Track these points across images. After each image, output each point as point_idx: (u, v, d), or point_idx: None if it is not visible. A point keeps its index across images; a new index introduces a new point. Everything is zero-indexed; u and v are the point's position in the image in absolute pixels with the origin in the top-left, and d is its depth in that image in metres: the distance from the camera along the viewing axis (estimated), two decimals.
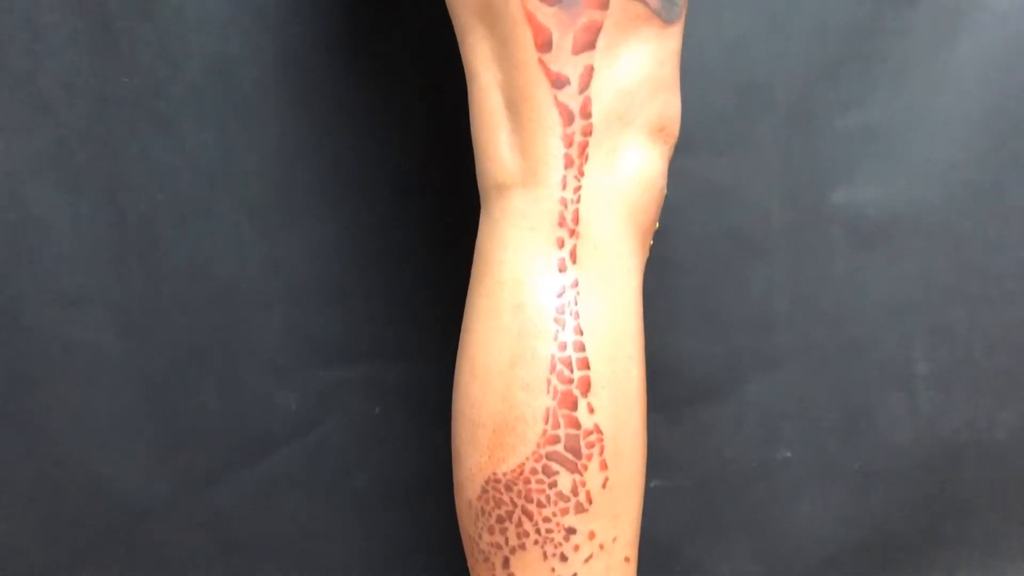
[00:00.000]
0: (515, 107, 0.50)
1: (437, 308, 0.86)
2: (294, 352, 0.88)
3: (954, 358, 0.87)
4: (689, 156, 0.84)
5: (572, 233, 0.50)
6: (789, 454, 0.89)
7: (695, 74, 0.84)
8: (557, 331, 0.50)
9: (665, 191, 0.54)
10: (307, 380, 0.88)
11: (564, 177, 0.50)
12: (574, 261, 0.51)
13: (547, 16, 0.48)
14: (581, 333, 0.50)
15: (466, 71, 0.53)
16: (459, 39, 0.53)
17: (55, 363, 0.87)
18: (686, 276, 0.87)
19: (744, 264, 0.87)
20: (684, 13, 0.52)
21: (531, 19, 0.48)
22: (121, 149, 0.85)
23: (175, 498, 0.88)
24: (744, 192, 0.86)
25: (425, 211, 0.86)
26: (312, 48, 0.84)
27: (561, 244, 0.50)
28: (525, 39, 0.49)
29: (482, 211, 0.54)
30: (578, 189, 0.50)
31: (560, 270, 0.50)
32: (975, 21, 0.83)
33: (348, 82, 0.84)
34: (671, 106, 0.52)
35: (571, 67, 0.49)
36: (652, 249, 0.57)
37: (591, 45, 0.49)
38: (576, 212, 0.50)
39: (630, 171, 0.51)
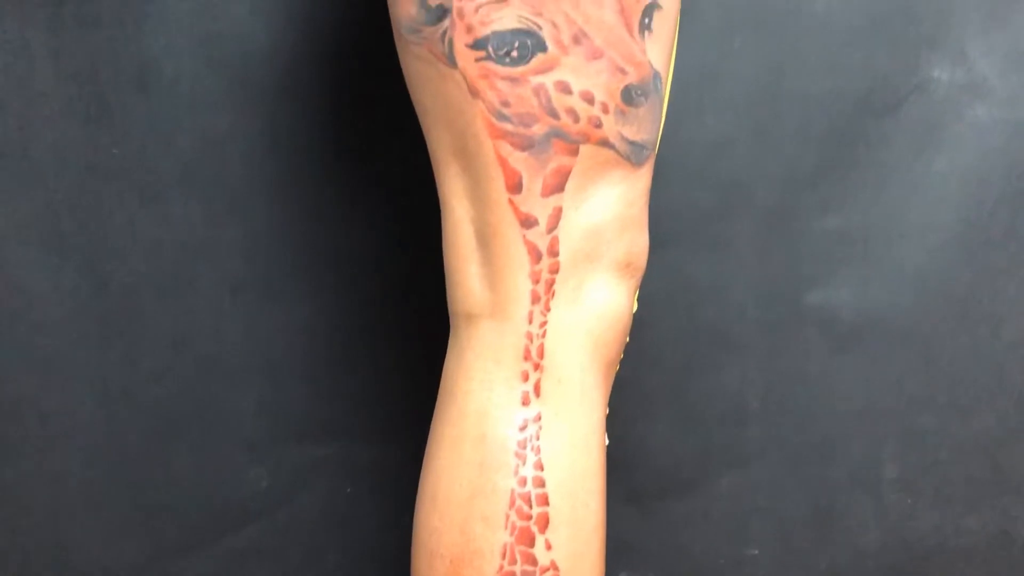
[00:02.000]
0: (486, 242, 0.51)
1: (411, 392, 0.87)
2: (268, 428, 0.88)
3: (922, 463, 0.88)
4: (669, 251, 0.86)
5: (536, 367, 0.51)
6: (757, 551, 0.90)
7: (678, 171, 0.85)
8: (518, 465, 0.50)
9: (630, 325, 0.55)
10: (280, 457, 0.89)
11: (531, 312, 0.51)
12: (538, 395, 0.51)
13: (518, 160, 0.49)
14: (542, 468, 0.51)
15: (440, 201, 0.54)
16: (435, 171, 0.54)
17: (31, 430, 0.87)
18: (661, 369, 0.88)
19: (718, 360, 0.88)
20: (654, 155, 0.53)
21: (503, 162, 0.50)
22: (107, 219, 0.86)
23: (144, 569, 0.89)
24: (721, 289, 0.87)
25: (404, 295, 0.87)
26: (302, 128, 0.85)
27: (525, 377, 0.51)
28: (497, 180, 0.50)
29: (451, 335, 0.55)
30: (544, 324, 0.51)
31: (523, 403, 0.51)
32: (953, 134, 0.84)
33: (335, 164, 0.85)
34: (638, 243, 0.53)
35: (540, 208, 0.50)
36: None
37: (560, 188, 0.50)
38: (541, 347, 0.51)
39: (596, 307, 0.52)
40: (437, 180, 0.54)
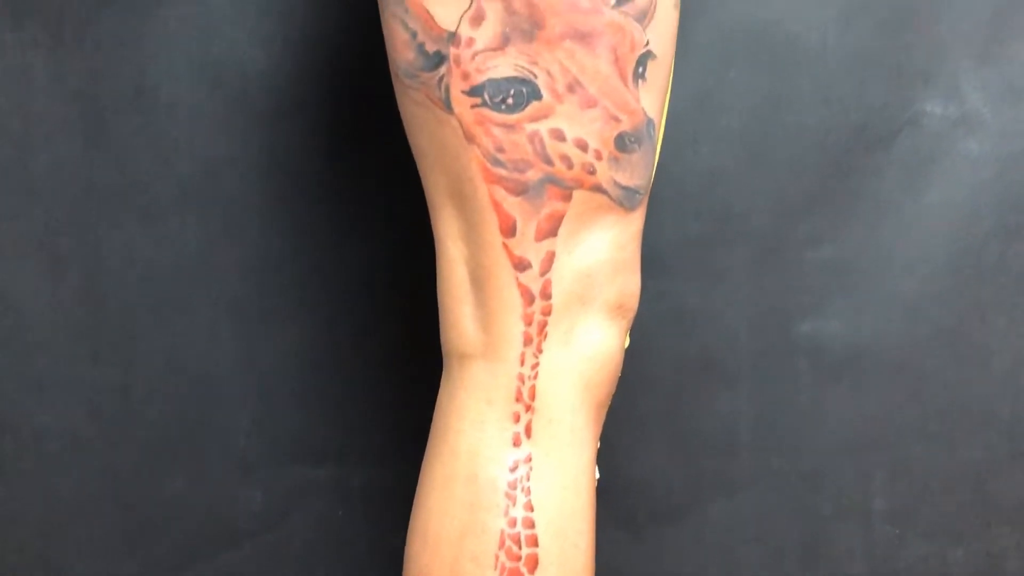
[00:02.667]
0: (479, 284, 0.52)
1: (405, 416, 0.87)
2: (262, 449, 0.89)
3: (911, 494, 0.88)
4: (662, 279, 0.86)
5: (528, 408, 0.52)
6: None
7: (673, 200, 0.86)
8: (508, 506, 0.51)
9: (622, 365, 0.56)
10: (273, 478, 0.89)
11: (523, 354, 0.52)
12: (528, 436, 0.52)
13: (512, 205, 0.50)
14: (532, 509, 0.51)
15: (435, 241, 0.55)
16: (430, 211, 0.55)
17: (26, 447, 0.88)
18: (653, 396, 0.88)
19: (710, 387, 0.89)
20: (647, 198, 0.54)
21: (497, 207, 0.50)
22: (105, 239, 0.87)
23: None
24: (714, 318, 0.88)
25: (399, 318, 0.87)
26: (298, 152, 0.86)
27: (517, 419, 0.52)
28: (491, 224, 0.51)
29: (444, 374, 0.56)
30: (536, 366, 0.52)
31: (514, 444, 0.52)
32: (945, 167, 0.85)
33: (331, 189, 0.86)
34: (630, 284, 0.54)
35: (533, 252, 0.51)
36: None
37: (553, 232, 0.51)
38: (532, 388, 0.52)
39: (588, 348, 0.53)
40: (432, 220, 0.54)
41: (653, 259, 0.80)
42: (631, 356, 0.84)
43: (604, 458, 0.61)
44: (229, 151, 0.85)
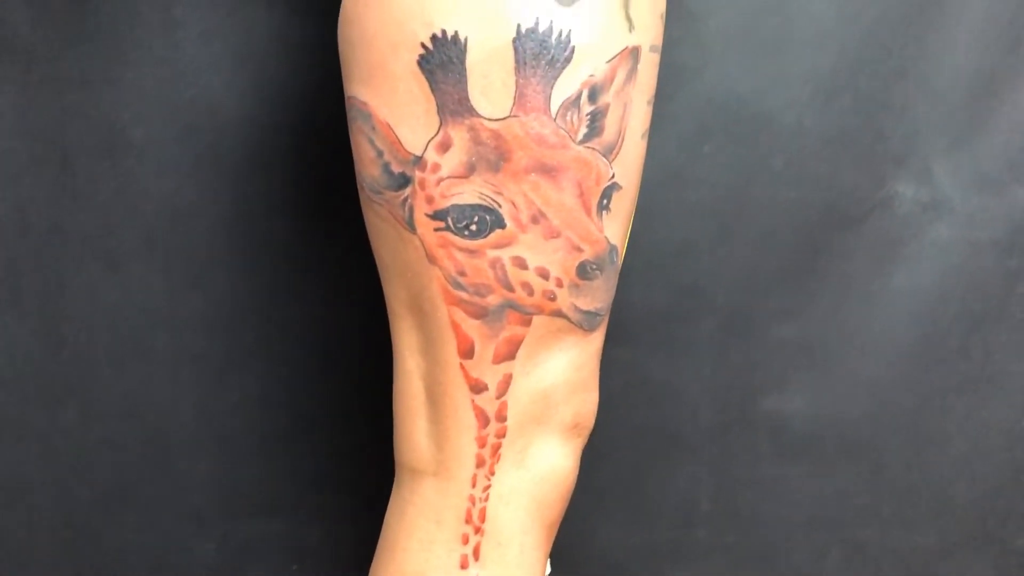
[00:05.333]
0: (434, 400, 0.52)
1: (363, 473, 0.87)
2: (218, 501, 0.88)
3: (865, 574, 0.89)
4: (626, 349, 0.86)
5: (477, 530, 0.52)
6: None
7: (641, 272, 0.85)
8: None
9: (575, 483, 0.56)
10: (228, 530, 0.89)
11: (475, 475, 0.51)
12: (476, 558, 0.52)
13: (471, 327, 0.50)
14: None
15: (393, 350, 0.54)
16: (390, 319, 0.54)
17: None
18: (614, 465, 0.88)
19: (671, 459, 0.89)
20: (607, 318, 0.54)
21: (456, 328, 0.50)
22: (68, 281, 0.86)
23: None
24: (676, 390, 0.88)
25: (363, 376, 0.87)
26: (268, 202, 0.85)
27: (466, 540, 0.52)
28: (449, 344, 0.50)
29: (395, 485, 0.55)
30: (487, 488, 0.51)
31: (462, 567, 0.52)
32: (913, 250, 0.86)
33: (297, 243, 0.85)
34: (587, 403, 0.54)
35: (490, 375, 0.50)
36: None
37: (511, 356, 0.50)
38: (483, 510, 0.52)
39: (541, 469, 0.53)
40: (391, 329, 0.54)
41: (619, 329, 0.80)
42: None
43: (562, 525, 0.61)
44: (198, 199, 0.84)
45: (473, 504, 0.51)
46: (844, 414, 0.88)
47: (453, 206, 0.48)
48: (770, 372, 0.87)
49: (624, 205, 0.51)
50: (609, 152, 0.49)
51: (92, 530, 0.88)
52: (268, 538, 0.88)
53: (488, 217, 0.48)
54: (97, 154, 0.84)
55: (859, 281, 0.86)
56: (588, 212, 0.49)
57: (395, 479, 0.55)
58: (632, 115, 0.49)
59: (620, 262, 0.53)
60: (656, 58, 0.51)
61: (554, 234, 0.48)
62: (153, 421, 0.87)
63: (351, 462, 0.87)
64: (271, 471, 0.88)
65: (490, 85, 0.46)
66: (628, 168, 0.50)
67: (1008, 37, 0.81)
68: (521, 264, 0.48)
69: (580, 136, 0.48)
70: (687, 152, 0.84)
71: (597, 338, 0.53)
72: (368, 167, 0.50)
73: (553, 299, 0.50)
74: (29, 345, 0.86)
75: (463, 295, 0.49)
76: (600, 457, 0.87)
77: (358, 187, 0.53)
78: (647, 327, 0.87)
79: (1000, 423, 0.87)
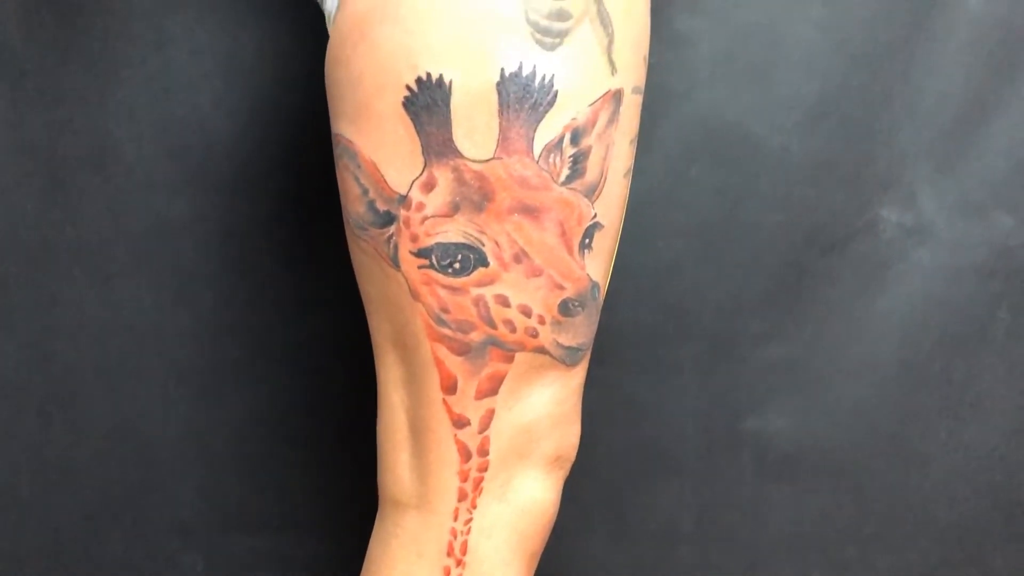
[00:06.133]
0: (417, 434, 0.52)
1: (350, 489, 0.88)
2: (204, 516, 0.89)
3: None
4: (612, 370, 0.87)
5: (459, 563, 0.52)
6: None
7: (627, 293, 0.86)
8: None
9: (556, 515, 0.56)
10: (215, 545, 0.89)
11: (456, 509, 0.52)
12: None
13: (454, 363, 0.50)
14: None
15: (377, 383, 0.55)
16: (374, 353, 0.55)
17: None
18: (599, 484, 0.89)
19: (655, 479, 0.89)
20: (589, 352, 0.54)
21: (439, 364, 0.51)
22: (58, 297, 0.86)
23: None
24: (661, 410, 0.89)
25: (350, 391, 0.87)
26: (256, 220, 0.85)
27: (447, 573, 0.52)
28: (432, 379, 0.51)
29: (378, 517, 0.56)
30: (469, 521, 0.52)
31: None
32: (897, 274, 0.86)
33: (286, 260, 0.86)
34: (569, 436, 0.55)
35: (473, 410, 0.51)
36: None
37: (494, 391, 0.51)
38: (464, 543, 0.52)
39: (522, 502, 0.53)
40: (376, 362, 0.55)
41: (605, 350, 0.80)
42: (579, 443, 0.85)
43: (546, 543, 0.62)
44: (187, 216, 0.85)
45: (455, 537, 0.52)
46: (827, 435, 0.89)
47: (437, 244, 0.49)
48: (754, 393, 0.88)
49: (606, 243, 0.52)
50: (591, 193, 0.49)
51: (80, 545, 0.88)
52: (255, 553, 0.89)
53: (471, 255, 0.48)
54: (87, 170, 0.84)
55: (843, 304, 0.87)
56: (570, 251, 0.49)
57: (379, 511, 0.56)
58: (614, 156, 0.50)
59: (602, 299, 0.54)
60: (639, 99, 0.52)
61: (536, 272, 0.49)
62: (141, 436, 0.87)
63: (339, 478, 0.88)
64: (259, 487, 0.88)
65: (474, 127, 0.47)
66: (610, 207, 0.51)
67: (993, 64, 0.82)
68: (504, 302, 0.49)
69: (562, 178, 0.48)
70: (674, 175, 0.85)
71: (579, 373, 0.54)
72: (354, 204, 0.51)
73: (535, 336, 0.50)
74: (18, 359, 0.86)
75: (446, 331, 0.50)
76: (584, 475, 0.88)
77: (344, 222, 0.53)
78: (633, 347, 0.87)
79: (981, 446, 0.88)
